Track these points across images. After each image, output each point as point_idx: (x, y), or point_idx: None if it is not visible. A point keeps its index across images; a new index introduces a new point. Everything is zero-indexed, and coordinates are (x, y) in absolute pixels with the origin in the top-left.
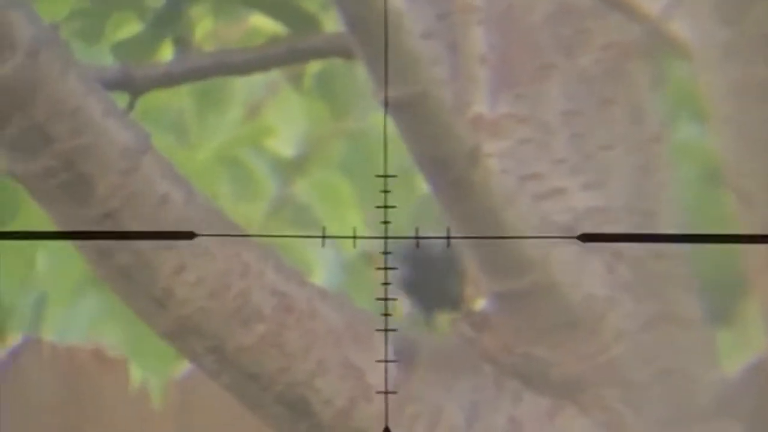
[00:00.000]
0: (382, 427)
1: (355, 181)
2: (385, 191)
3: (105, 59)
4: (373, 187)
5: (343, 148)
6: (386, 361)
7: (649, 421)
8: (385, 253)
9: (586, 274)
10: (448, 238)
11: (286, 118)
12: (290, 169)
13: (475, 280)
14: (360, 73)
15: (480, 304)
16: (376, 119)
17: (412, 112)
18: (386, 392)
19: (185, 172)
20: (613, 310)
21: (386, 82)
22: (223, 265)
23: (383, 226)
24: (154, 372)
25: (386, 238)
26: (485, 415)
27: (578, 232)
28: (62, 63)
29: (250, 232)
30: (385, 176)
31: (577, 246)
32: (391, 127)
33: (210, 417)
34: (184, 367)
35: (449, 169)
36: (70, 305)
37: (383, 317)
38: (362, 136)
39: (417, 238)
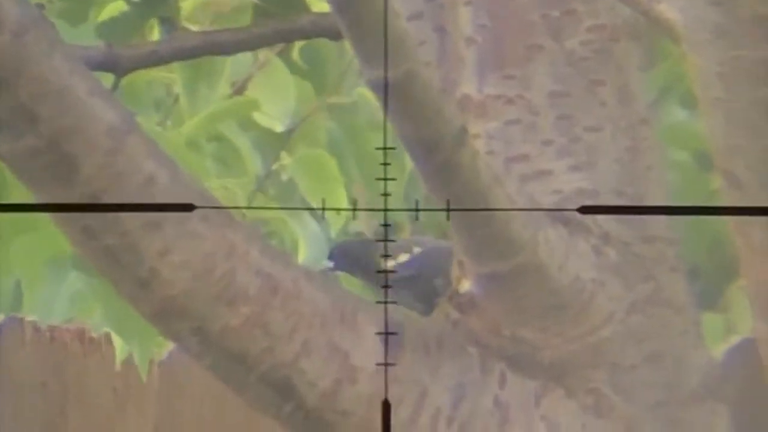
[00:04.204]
0: (366, 408)
1: (341, 158)
2: (385, 164)
3: (90, 39)
4: (360, 163)
5: (329, 124)
6: (386, 333)
7: (637, 403)
8: (385, 225)
9: (574, 256)
10: (448, 210)
11: (273, 94)
12: (276, 144)
13: (461, 261)
14: (347, 49)
15: (466, 285)
16: (362, 95)
17: (398, 93)
18: (386, 364)
19: (170, 150)
20: (601, 292)
21: (386, 56)
22: (208, 246)
23: (382, 198)
24: (139, 346)
25: (386, 210)
26: (471, 397)
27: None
28: (48, 43)
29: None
30: (385, 149)
31: (565, 228)
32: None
33: (194, 397)
34: (168, 347)
35: (436, 150)
36: (51, 285)
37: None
38: (349, 113)
39: (416, 210)
